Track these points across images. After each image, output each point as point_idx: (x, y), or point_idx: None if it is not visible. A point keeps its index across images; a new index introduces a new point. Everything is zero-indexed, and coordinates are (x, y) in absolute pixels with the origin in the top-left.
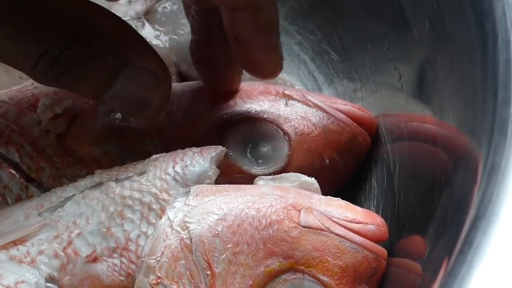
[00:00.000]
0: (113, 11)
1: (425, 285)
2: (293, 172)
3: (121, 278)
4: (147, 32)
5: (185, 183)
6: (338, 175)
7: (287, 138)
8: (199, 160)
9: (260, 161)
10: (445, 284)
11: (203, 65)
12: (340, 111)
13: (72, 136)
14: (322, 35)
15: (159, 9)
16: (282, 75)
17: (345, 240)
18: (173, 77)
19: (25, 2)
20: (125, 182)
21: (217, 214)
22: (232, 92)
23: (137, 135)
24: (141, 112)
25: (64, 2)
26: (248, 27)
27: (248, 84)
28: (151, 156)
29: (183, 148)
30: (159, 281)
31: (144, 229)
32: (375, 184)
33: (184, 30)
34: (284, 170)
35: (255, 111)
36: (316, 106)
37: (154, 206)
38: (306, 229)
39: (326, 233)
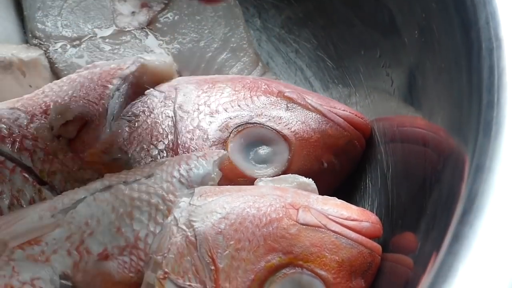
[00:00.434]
0: (117, 21)
1: (416, 278)
2: None
3: (131, 274)
4: (151, 42)
5: (190, 185)
6: (335, 176)
7: (287, 143)
8: (203, 163)
9: (261, 165)
10: (435, 276)
11: None
12: (339, 116)
13: (83, 141)
14: (317, 43)
15: (162, 19)
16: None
17: (341, 236)
18: None
19: None
20: (133, 185)
21: (220, 213)
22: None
23: (143, 140)
24: None
25: None
26: None
27: (251, 81)
28: (157, 160)
29: (187, 152)
30: (166, 275)
31: (152, 229)
32: (370, 184)
33: (186, 39)
34: (284, 173)
35: (257, 116)
36: (316, 110)
37: (161, 207)
38: (304, 227)
39: (323, 230)
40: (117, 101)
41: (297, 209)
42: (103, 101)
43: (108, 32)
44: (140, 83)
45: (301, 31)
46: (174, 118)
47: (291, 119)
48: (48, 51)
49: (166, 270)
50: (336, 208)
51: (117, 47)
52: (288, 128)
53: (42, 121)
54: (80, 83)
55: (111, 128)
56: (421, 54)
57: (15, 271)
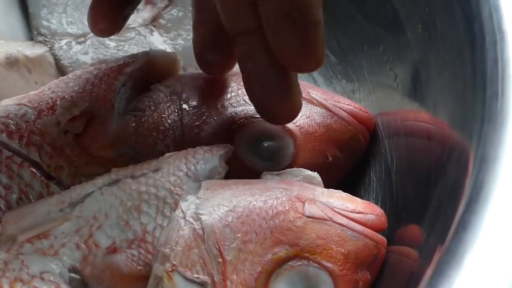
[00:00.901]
0: None
1: (422, 268)
2: None
3: (139, 267)
4: (155, 38)
5: (197, 179)
6: (339, 170)
7: (292, 137)
8: (209, 157)
9: (267, 159)
10: (441, 264)
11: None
12: (343, 110)
13: (89, 136)
14: None
15: (166, 16)
16: None
17: (347, 228)
18: None
19: None
20: (141, 179)
21: (227, 206)
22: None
23: (149, 135)
24: None
25: None
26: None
27: None
28: (163, 155)
29: (193, 146)
30: (174, 268)
31: (159, 222)
32: (374, 177)
33: (190, 36)
34: (289, 167)
35: None
36: (321, 105)
37: (169, 200)
38: (310, 219)
39: (329, 222)
40: (123, 96)
41: (303, 202)
42: (109, 97)
43: None
44: (146, 78)
45: None
46: (180, 112)
47: None
48: (53, 48)
49: (174, 262)
50: (341, 201)
51: (121, 43)
52: (293, 123)
53: (49, 117)
54: (86, 79)
55: (118, 123)
56: (424, 48)
57: (24, 264)
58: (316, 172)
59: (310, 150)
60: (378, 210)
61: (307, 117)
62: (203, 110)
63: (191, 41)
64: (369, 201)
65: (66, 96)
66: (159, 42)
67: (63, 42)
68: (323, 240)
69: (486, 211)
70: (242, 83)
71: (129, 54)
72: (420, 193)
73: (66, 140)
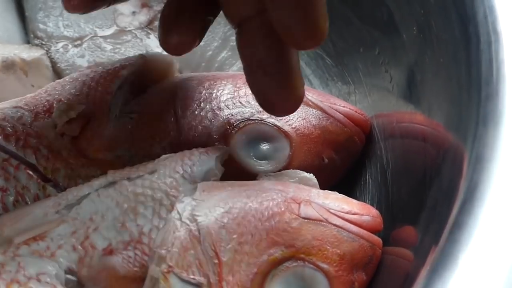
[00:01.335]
0: (118, 21)
1: (417, 269)
2: None
3: (135, 269)
4: (151, 41)
5: (193, 180)
6: (335, 172)
7: (288, 139)
8: (205, 159)
9: (263, 161)
10: (436, 264)
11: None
12: (339, 112)
13: (86, 138)
14: None
15: None
16: None
17: (342, 230)
18: None
19: None
20: (137, 181)
21: (222, 208)
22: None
23: (146, 137)
24: None
25: None
26: None
27: None
28: (160, 157)
29: (189, 148)
30: (170, 269)
31: (156, 223)
32: (370, 179)
33: None
34: (285, 169)
35: (258, 113)
36: (316, 107)
37: (165, 202)
38: (306, 220)
39: (325, 223)
40: (119, 99)
41: (299, 203)
42: (105, 99)
43: (109, 32)
44: (142, 81)
45: None
46: (176, 115)
47: (292, 116)
48: (50, 51)
49: (170, 264)
50: (337, 202)
51: (118, 46)
52: (289, 125)
53: (45, 119)
54: (82, 81)
55: (114, 125)
56: (419, 50)
57: (20, 266)
58: (312, 174)
59: (306, 152)
60: (373, 211)
61: (303, 119)
62: (199, 112)
63: None
64: (365, 202)
65: (62, 99)
66: (155, 45)
67: (60, 45)
68: (319, 241)
69: (481, 211)
70: (238, 85)
71: (125, 57)
72: (416, 194)
73: (63, 143)
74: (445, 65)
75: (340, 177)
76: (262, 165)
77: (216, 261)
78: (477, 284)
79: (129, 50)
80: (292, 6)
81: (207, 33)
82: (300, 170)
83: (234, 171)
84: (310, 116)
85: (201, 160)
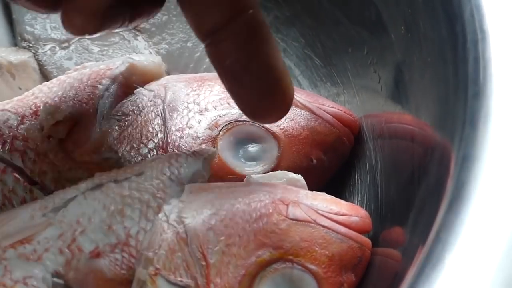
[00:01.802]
0: None
1: (404, 269)
2: None
3: (122, 271)
4: (140, 43)
5: (180, 182)
6: (324, 173)
7: (276, 140)
8: (193, 161)
9: (251, 162)
10: (423, 264)
11: None
12: (328, 113)
13: (73, 141)
14: (305, 42)
15: (150, 20)
16: None
17: (331, 231)
18: None
19: None
20: (124, 183)
21: (210, 209)
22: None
23: (133, 139)
24: None
25: None
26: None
27: None
28: (147, 159)
29: (177, 150)
30: (157, 272)
31: (143, 226)
32: (359, 180)
33: (174, 40)
34: (273, 170)
35: None
36: (305, 107)
37: (152, 204)
38: (294, 222)
39: (313, 224)
40: (106, 101)
41: (287, 205)
42: (92, 101)
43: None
44: (130, 83)
45: (288, 30)
46: (163, 116)
47: None
48: (37, 53)
49: (157, 266)
50: (325, 203)
51: (105, 48)
52: (277, 126)
53: (32, 122)
54: (69, 84)
55: (101, 127)
56: (407, 50)
57: (7, 270)
58: (300, 175)
59: (294, 153)
60: (362, 212)
61: (291, 120)
62: (187, 113)
63: (175, 45)
64: (354, 203)
65: (49, 101)
66: (143, 46)
67: (47, 47)
68: (307, 242)
69: (467, 211)
70: None
71: (113, 58)
72: (404, 195)
73: (50, 145)
74: (432, 64)
75: (329, 178)
76: (250, 167)
77: (203, 263)
78: (464, 284)
79: (117, 52)
80: (255, 88)
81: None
82: (289, 171)
83: (222, 173)
84: (299, 117)
85: (188, 162)
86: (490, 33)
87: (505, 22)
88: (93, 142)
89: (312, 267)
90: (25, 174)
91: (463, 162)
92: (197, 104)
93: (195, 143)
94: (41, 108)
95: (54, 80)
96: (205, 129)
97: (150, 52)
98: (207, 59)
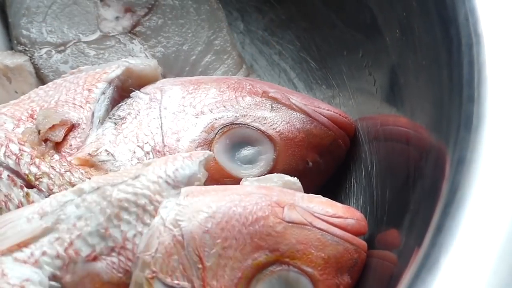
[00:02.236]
0: (101, 27)
1: (400, 272)
2: None
3: (119, 274)
4: (136, 46)
5: (176, 185)
6: (320, 175)
7: (272, 143)
8: (189, 164)
9: (247, 165)
10: (419, 268)
11: None
12: (323, 115)
13: (69, 144)
14: (300, 45)
15: (145, 24)
16: None
17: (327, 233)
18: None
19: None
20: (120, 186)
21: (206, 212)
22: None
23: (129, 142)
24: None
25: None
26: None
27: (236, 82)
28: (143, 162)
29: (173, 153)
30: (154, 275)
31: (139, 229)
32: (355, 182)
33: (170, 43)
34: (269, 173)
35: (242, 117)
36: (300, 110)
37: (148, 208)
38: (290, 224)
39: (309, 227)
40: (102, 104)
41: (283, 207)
42: (89, 105)
43: (92, 37)
44: (126, 87)
45: (284, 33)
46: (159, 119)
47: (276, 119)
48: (33, 57)
49: (154, 269)
50: (321, 206)
51: (101, 52)
52: (273, 128)
53: (28, 126)
54: (65, 87)
55: (98, 130)
56: (402, 53)
57: (4, 273)
58: (296, 178)
59: (290, 156)
60: (358, 214)
61: (287, 123)
62: (183, 116)
63: (171, 48)
64: (350, 205)
65: (45, 105)
66: (138, 49)
67: (43, 51)
68: (303, 245)
69: (462, 214)
70: (222, 89)
71: (109, 62)
72: (400, 197)
73: (46, 149)
74: (427, 67)
75: (325, 180)
76: (246, 169)
77: (200, 266)
78: (459, 286)
79: (113, 55)
80: None
81: (191, 38)
82: (285, 174)
83: (218, 176)
84: (294, 120)
85: (185, 165)
86: (485, 37)
87: (499, 26)
88: (90, 145)
89: (308, 269)
90: (22, 178)
91: (458, 165)
92: (193, 107)
93: (191, 146)
94: (38, 111)
95: (50, 84)
96: (201, 132)
97: (146, 56)
98: (203, 62)
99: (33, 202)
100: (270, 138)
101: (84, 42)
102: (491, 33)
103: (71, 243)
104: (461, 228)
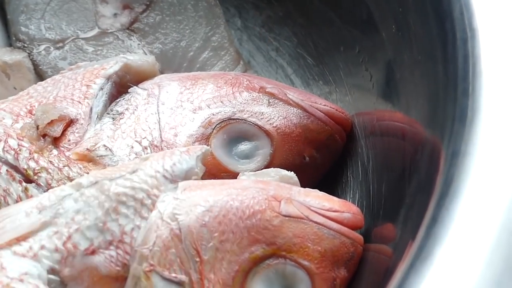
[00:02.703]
0: (99, 23)
1: (394, 265)
2: None
3: (117, 268)
4: (134, 43)
5: (174, 180)
6: (316, 170)
7: (269, 138)
8: (186, 158)
9: (244, 160)
10: (413, 259)
11: None
12: (320, 110)
13: (68, 139)
14: (297, 41)
15: (143, 20)
16: None
17: (323, 227)
18: None
19: None
20: (118, 180)
21: (203, 206)
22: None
23: (127, 137)
24: None
25: None
26: None
27: (233, 77)
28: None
29: (171, 148)
30: (152, 268)
31: (137, 223)
32: (351, 177)
33: (168, 39)
34: (266, 168)
35: (239, 112)
36: (297, 105)
37: (146, 202)
38: (287, 218)
39: (305, 221)
40: (101, 99)
41: (280, 201)
42: (87, 100)
43: (91, 34)
44: (124, 82)
45: (281, 29)
46: (157, 115)
47: (273, 115)
48: (32, 53)
49: (151, 262)
50: (317, 200)
51: (100, 48)
52: (270, 124)
53: (27, 121)
54: (64, 83)
55: (96, 126)
56: (398, 48)
57: (3, 267)
58: (292, 172)
59: (287, 151)
60: (354, 208)
61: (284, 118)
62: (181, 111)
63: (169, 45)
64: (346, 200)
65: (44, 100)
66: (136, 46)
67: (42, 47)
68: (300, 238)
69: (457, 205)
70: (219, 85)
71: (107, 58)
72: (396, 191)
73: (45, 144)
74: (422, 62)
75: (322, 175)
76: (244, 164)
77: (197, 259)
78: (453, 277)
79: (111, 51)
80: None
81: (189, 34)
82: (282, 168)
83: (215, 170)
84: (291, 115)
85: (182, 160)
86: (480, 31)
87: (494, 20)
88: (88, 141)
89: (305, 262)
90: (20, 173)
91: (452, 158)
92: (190, 102)
93: (188, 141)
94: (36, 107)
95: (49, 80)
96: (198, 127)
97: (144, 52)
98: (201, 58)
99: (31, 196)
100: (267, 133)
101: (83, 39)
102: (486, 27)
103: (69, 237)
104: (455, 219)
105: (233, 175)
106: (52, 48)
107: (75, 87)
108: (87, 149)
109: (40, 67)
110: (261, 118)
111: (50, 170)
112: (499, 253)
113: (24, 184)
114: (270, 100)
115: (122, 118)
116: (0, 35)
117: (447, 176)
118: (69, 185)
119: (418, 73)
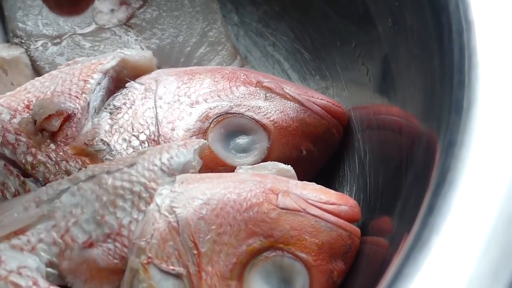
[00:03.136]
0: (97, 19)
1: (391, 256)
2: None
3: (115, 260)
4: (131, 38)
5: (171, 173)
6: (313, 164)
7: (266, 132)
8: (184, 152)
9: (241, 153)
10: (410, 248)
11: None
12: (317, 104)
13: (65, 134)
14: (294, 36)
15: (140, 16)
16: None
17: (320, 219)
18: None
19: None
20: (116, 174)
21: (201, 199)
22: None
23: (125, 132)
24: None
25: None
26: None
27: (230, 72)
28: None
29: (168, 142)
30: (150, 260)
31: (135, 216)
32: (348, 171)
33: (165, 35)
34: (263, 161)
35: (237, 106)
36: (294, 99)
37: (144, 195)
38: (284, 211)
39: (303, 213)
40: (98, 94)
41: (277, 194)
42: (84, 95)
43: (88, 29)
44: (121, 77)
45: (278, 24)
46: (154, 109)
47: (270, 109)
48: (29, 49)
49: (149, 255)
50: (315, 193)
51: (97, 44)
52: (267, 118)
53: (25, 116)
54: (61, 78)
55: (93, 120)
56: (394, 42)
57: (1, 260)
58: (290, 166)
59: (284, 145)
60: (351, 201)
61: (281, 112)
62: (178, 106)
63: (166, 40)
64: (343, 193)
65: (42, 95)
66: (134, 41)
67: (39, 43)
68: (297, 231)
69: (453, 195)
70: (216, 79)
71: (104, 54)
72: (393, 184)
73: (43, 138)
74: (419, 55)
75: (319, 169)
76: (241, 158)
77: (195, 252)
78: (450, 265)
79: (108, 47)
80: None
81: (186, 29)
82: (279, 162)
83: (213, 164)
84: (288, 109)
85: (180, 153)
86: (475, 23)
87: (489, 12)
88: (85, 135)
89: (302, 255)
90: (18, 167)
91: (448, 148)
92: (188, 97)
93: (186, 135)
94: (34, 102)
95: (46, 75)
96: (196, 122)
97: (141, 47)
98: (197, 54)
99: (29, 190)
100: (264, 127)
101: (80, 35)
102: (482, 19)
103: (67, 230)
104: (452, 208)
105: (231, 169)
106: (49, 44)
107: (73, 82)
108: (85, 143)
109: (38, 63)
110: (258, 112)
111: (48, 164)
112: (495, 242)
113: (21, 178)
114: (267, 94)
115: (120, 112)
116: None
117: (444, 166)
118: (67, 179)
119: (414, 66)
